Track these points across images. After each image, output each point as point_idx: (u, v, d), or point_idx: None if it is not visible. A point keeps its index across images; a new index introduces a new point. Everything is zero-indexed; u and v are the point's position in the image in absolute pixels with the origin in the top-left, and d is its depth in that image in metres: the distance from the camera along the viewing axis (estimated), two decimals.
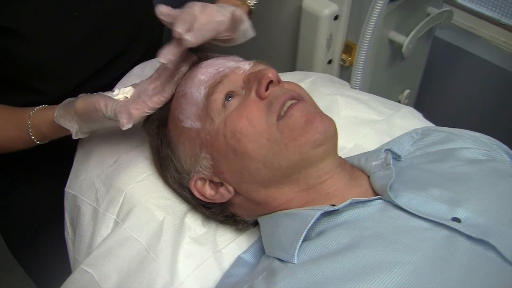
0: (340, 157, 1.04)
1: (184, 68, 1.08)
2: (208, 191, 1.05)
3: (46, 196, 1.44)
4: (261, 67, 1.06)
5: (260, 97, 0.99)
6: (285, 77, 1.43)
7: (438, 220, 0.88)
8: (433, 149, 1.10)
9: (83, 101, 1.07)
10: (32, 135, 1.17)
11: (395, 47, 1.74)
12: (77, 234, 1.17)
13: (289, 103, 0.98)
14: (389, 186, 0.95)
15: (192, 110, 1.02)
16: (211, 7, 1.05)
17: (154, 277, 1.04)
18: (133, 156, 1.19)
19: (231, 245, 1.11)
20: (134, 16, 1.34)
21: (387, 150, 1.06)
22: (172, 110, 1.07)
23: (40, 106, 1.18)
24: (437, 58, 2.03)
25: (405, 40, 1.67)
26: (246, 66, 1.05)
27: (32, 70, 1.19)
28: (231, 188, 1.03)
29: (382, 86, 1.81)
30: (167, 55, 0.99)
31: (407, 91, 1.95)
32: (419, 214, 0.90)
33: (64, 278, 1.11)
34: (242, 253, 1.08)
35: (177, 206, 1.12)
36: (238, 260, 1.07)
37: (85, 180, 1.20)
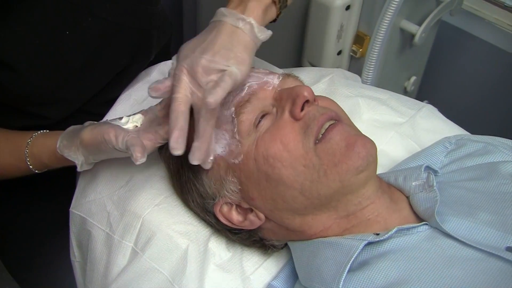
0: (378, 177, 0.96)
1: None
2: (236, 216, 0.96)
3: (45, 215, 1.34)
4: (291, 81, 0.97)
5: (295, 118, 0.90)
6: (299, 74, 1.35)
7: (492, 251, 0.81)
8: (470, 162, 1.03)
9: (90, 132, 0.98)
10: (30, 165, 1.07)
11: (406, 35, 1.65)
12: (89, 261, 1.08)
13: (327, 124, 0.89)
14: (436, 212, 0.87)
15: (215, 131, 0.93)
16: (198, 65, 0.88)
17: None
18: (147, 175, 1.10)
19: (259, 270, 1.03)
20: (137, 28, 1.20)
21: (427, 168, 0.98)
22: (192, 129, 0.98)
23: (40, 132, 1.08)
24: (441, 42, 1.96)
25: (417, 30, 1.58)
26: (275, 80, 0.96)
27: (29, 99, 1.07)
28: (261, 215, 0.94)
29: (390, 75, 1.73)
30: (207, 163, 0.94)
31: (413, 78, 1.87)
32: (470, 243, 0.83)
33: None
34: (273, 280, 1.01)
35: (200, 231, 1.04)
36: None
37: (95, 201, 1.10)
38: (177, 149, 0.87)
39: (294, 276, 0.99)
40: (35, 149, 1.06)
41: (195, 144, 0.88)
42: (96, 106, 1.22)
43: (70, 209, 1.14)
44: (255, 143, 0.90)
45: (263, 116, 0.92)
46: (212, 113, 0.88)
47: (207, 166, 0.92)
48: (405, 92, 1.91)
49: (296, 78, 0.99)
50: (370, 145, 0.88)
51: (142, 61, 1.29)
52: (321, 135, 0.88)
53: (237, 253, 1.04)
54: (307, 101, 0.90)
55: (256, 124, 0.91)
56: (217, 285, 0.99)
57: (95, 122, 1.03)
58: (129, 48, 1.21)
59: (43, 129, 1.09)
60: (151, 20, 1.23)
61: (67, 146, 1.01)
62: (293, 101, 0.90)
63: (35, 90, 1.06)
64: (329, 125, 0.89)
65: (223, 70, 0.88)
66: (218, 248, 1.03)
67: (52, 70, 1.07)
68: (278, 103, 0.93)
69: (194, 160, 0.88)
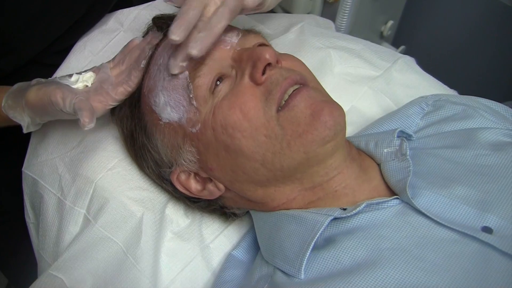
0: (347, 142, 0.89)
1: (149, 50, 0.91)
2: (194, 185, 0.90)
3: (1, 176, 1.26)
4: (252, 38, 0.89)
5: (256, 82, 0.82)
6: (269, 22, 1.27)
7: (467, 232, 0.75)
8: (448, 127, 0.96)
9: (36, 92, 0.89)
10: None
11: None
12: (41, 227, 1.02)
13: (290, 90, 0.81)
14: (408, 185, 0.81)
15: (171, 95, 0.85)
16: None
17: (136, 286, 0.91)
18: (100, 136, 1.03)
19: (220, 238, 0.98)
20: None
21: (401, 133, 0.91)
22: (145, 91, 0.90)
23: None
24: None
25: None
26: (233, 38, 0.87)
27: None
28: (221, 186, 0.88)
29: (365, 20, 1.65)
30: (178, 66, 0.83)
31: (390, 22, 1.79)
32: (444, 223, 0.77)
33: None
34: (233, 249, 0.95)
35: (156, 197, 0.98)
36: (230, 259, 0.94)
37: (46, 162, 1.04)
38: (175, 34, 0.78)
39: (255, 246, 0.93)
40: None
41: (201, 35, 0.80)
42: (49, 56, 1.13)
43: (23, 169, 1.08)
44: (212, 111, 0.82)
45: (219, 80, 0.84)
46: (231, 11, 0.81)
47: (177, 69, 0.84)
48: (381, 37, 1.83)
49: (257, 34, 0.91)
50: (338, 112, 0.81)
51: (101, 9, 1.19)
52: (284, 102, 0.81)
53: (196, 220, 0.99)
54: (269, 64, 0.82)
55: (213, 89, 0.83)
56: (173, 253, 0.94)
57: (43, 80, 0.95)
58: None
59: None
60: None
61: (12, 106, 0.93)
62: (253, 64, 0.82)
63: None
64: (293, 90, 0.81)
65: None
66: (176, 215, 0.98)
67: (3, 18, 0.98)
68: (238, 64, 0.85)
69: (194, 49, 0.79)
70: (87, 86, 0.92)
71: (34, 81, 0.94)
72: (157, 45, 0.91)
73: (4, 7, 0.97)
